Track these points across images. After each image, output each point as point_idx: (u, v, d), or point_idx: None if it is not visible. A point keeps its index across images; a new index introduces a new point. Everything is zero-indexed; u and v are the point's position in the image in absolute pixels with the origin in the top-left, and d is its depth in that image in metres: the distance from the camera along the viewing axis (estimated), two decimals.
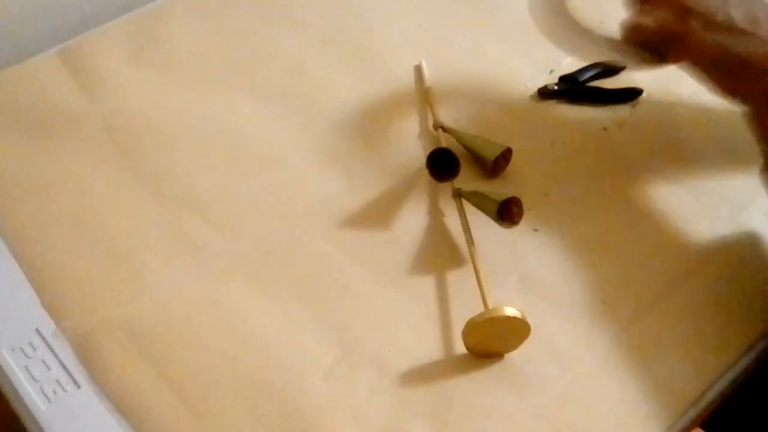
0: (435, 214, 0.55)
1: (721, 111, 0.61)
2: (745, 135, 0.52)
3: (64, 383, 0.45)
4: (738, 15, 0.51)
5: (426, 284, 0.51)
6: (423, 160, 0.58)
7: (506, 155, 0.57)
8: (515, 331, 0.46)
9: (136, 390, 0.45)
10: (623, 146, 0.55)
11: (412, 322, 0.49)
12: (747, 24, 0.51)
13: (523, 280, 0.52)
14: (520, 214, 0.52)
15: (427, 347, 0.48)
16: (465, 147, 0.59)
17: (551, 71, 0.65)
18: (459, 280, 0.51)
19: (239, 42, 0.66)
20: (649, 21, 0.54)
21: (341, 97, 0.63)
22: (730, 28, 0.51)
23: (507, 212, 0.51)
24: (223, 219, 0.54)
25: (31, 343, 0.47)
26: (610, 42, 0.58)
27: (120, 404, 0.45)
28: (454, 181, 0.55)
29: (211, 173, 0.57)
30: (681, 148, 0.60)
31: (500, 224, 0.52)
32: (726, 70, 0.51)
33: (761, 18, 0.51)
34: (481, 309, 0.46)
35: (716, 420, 0.50)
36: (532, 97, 0.64)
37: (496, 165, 0.57)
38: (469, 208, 0.53)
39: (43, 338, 0.47)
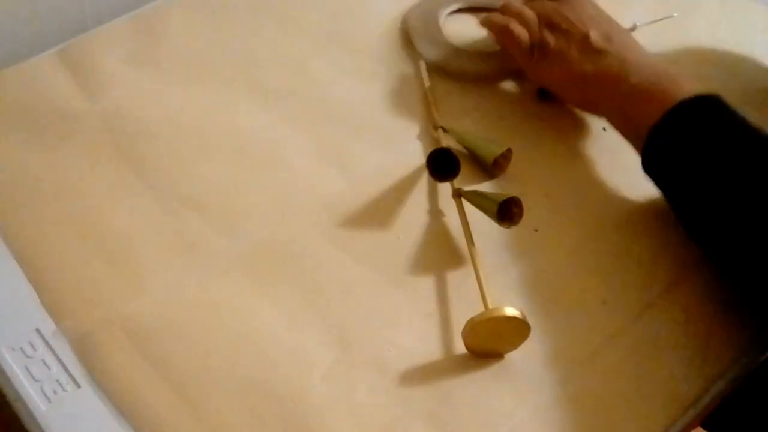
0: (435, 214, 0.55)
1: None
2: None
3: (64, 383, 0.45)
4: (594, 35, 0.56)
5: (426, 284, 0.51)
6: (423, 160, 0.58)
7: (506, 155, 0.58)
8: (515, 331, 0.46)
9: (136, 390, 0.45)
10: (623, 146, 0.55)
11: (412, 322, 0.49)
12: (602, 43, 0.56)
13: (523, 280, 0.52)
14: (520, 214, 0.52)
15: (427, 347, 0.48)
16: (465, 147, 0.59)
17: None
18: (459, 280, 0.51)
19: (239, 42, 0.66)
20: (517, 28, 0.60)
21: (341, 97, 0.63)
22: (587, 46, 0.56)
23: (507, 212, 0.51)
24: (223, 219, 0.54)
25: (31, 343, 0.47)
26: (470, 54, 0.66)
27: (120, 404, 0.44)
28: (454, 181, 0.55)
29: (211, 173, 0.57)
30: None
31: (500, 224, 0.52)
32: (583, 84, 0.56)
33: (614, 37, 0.57)
34: (481, 309, 0.46)
35: (716, 420, 0.50)
36: (532, 97, 0.64)
37: (496, 165, 0.58)
38: (469, 208, 0.53)
39: (43, 338, 0.47)
